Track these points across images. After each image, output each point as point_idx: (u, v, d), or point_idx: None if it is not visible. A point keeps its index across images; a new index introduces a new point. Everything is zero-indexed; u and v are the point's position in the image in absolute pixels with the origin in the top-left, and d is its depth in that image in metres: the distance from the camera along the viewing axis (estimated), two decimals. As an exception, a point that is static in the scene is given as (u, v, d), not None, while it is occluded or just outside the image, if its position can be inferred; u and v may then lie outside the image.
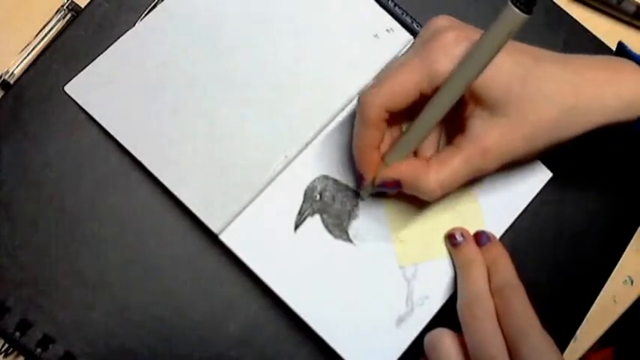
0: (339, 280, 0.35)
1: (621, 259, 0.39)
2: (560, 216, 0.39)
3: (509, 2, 0.26)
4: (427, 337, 0.33)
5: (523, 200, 0.38)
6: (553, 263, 0.39)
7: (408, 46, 0.39)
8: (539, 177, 0.38)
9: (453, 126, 0.34)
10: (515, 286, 0.32)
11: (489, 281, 0.33)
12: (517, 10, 0.26)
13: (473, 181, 0.35)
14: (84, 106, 0.36)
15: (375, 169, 0.33)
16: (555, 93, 0.31)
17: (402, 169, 0.32)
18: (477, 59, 0.28)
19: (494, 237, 0.36)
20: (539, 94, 0.31)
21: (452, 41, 0.30)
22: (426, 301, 0.35)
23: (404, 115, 0.33)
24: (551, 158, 0.37)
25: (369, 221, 0.36)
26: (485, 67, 0.29)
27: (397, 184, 0.33)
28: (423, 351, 0.33)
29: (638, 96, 0.32)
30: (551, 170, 0.38)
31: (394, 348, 0.34)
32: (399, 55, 0.38)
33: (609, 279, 0.39)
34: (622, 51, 0.35)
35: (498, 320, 0.31)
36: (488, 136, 0.31)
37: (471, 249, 0.35)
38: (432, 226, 0.37)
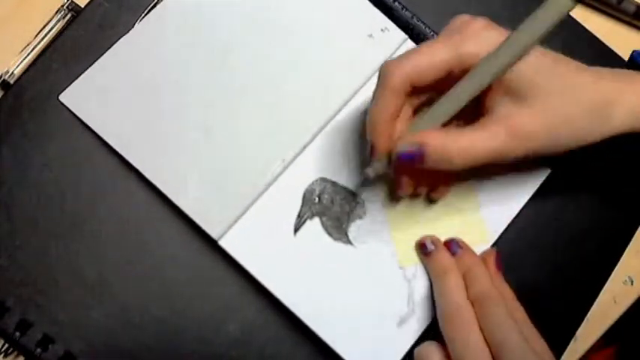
0: (339, 282, 0.35)
1: (621, 259, 0.39)
2: (560, 216, 0.39)
3: None
4: (416, 352, 0.33)
5: (522, 197, 0.37)
6: (553, 263, 0.39)
7: (404, 45, 0.39)
8: (537, 173, 0.38)
9: (470, 116, 0.32)
10: (492, 296, 0.31)
11: (467, 290, 0.32)
12: None
13: (471, 177, 0.35)
14: (79, 115, 0.36)
15: (389, 141, 0.31)
16: (581, 94, 0.31)
17: (432, 135, 0.30)
18: (523, 39, 0.28)
19: (465, 244, 0.35)
20: (564, 91, 0.31)
21: (481, 27, 0.30)
22: (427, 301, 0.35)
23: (420, 101, 0.33)
24: (552, 157, 0.37)
25: (369, 222, 0.36)
26: (528, 50, 0.28)
27: (419, 154, 0.30)
28: None
29: None
30: (551, 169, 0.38)
31: (396, 349, 0.34)
32: (395, 54, 0.38)
33: (609, 279, 0.39)
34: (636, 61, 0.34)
35: (480, 328, 0.31)
36: (515, 118, 0.30)
37: (444, 257, 0.34)
38: (432, 225, 0.36)
